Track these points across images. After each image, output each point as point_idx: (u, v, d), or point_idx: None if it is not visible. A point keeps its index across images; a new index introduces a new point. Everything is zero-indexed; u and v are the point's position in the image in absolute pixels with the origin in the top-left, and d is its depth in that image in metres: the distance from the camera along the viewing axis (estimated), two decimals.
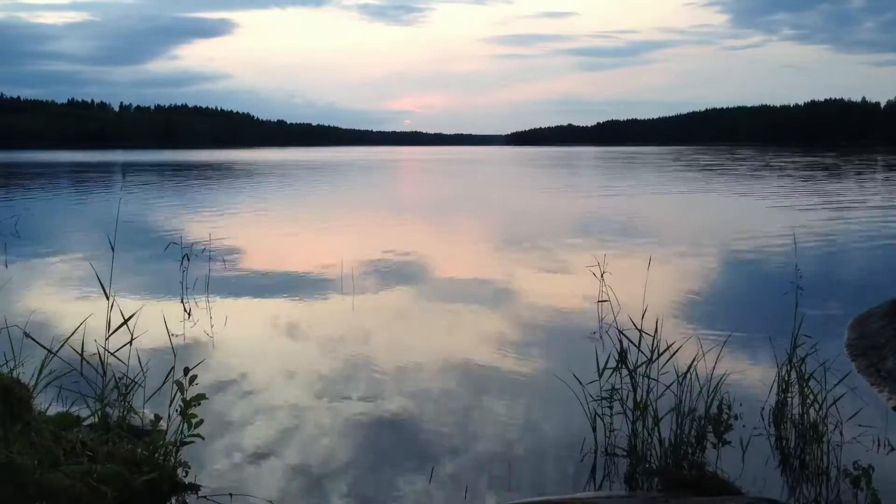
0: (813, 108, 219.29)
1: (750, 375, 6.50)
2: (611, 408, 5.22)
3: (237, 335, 8.16)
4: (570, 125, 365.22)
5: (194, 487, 4.49)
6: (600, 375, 5.42)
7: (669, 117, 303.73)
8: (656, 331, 5.19)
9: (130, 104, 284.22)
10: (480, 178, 47.10)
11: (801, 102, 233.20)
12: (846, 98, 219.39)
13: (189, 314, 9.14)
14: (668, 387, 5.03)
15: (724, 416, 5.06)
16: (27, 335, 4.97)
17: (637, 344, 5.31)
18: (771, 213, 21.31)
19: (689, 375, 5.05)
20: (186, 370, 4.51)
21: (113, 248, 5.52)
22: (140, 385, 4.91)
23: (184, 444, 4.48)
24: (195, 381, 4.47)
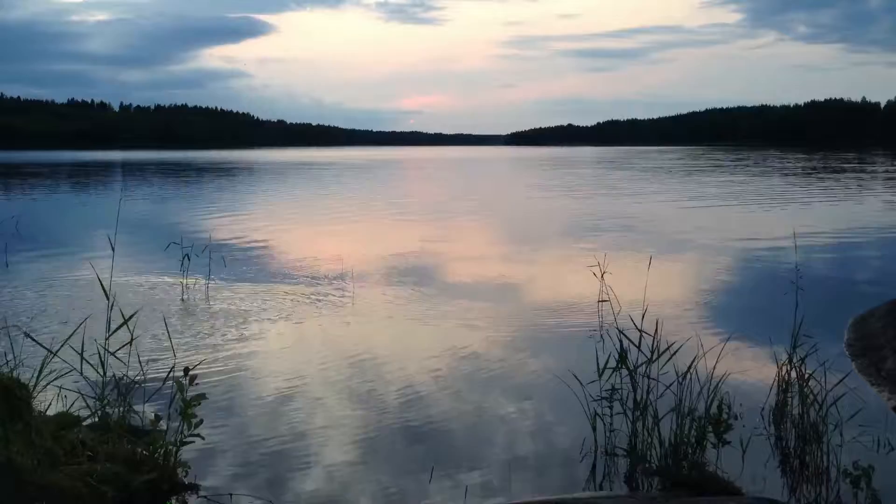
0: (813, 108, 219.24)
1: (750, 375, 6.49)
2: (611, 408, 5.22)
3: (237, 335, 8.15)
4: (570, 125, 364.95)
5: (194, 487, 4.49)
6: (600, 375, 5.41)
7: (669, 117, 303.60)
8: (656, 331, 5.18)
9: (130, 104, 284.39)
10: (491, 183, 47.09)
11: (801, 102, 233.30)
12: (846, 98, 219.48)
13: (189, 314, 9.14)
14: (668, 387, 5.02)
15: (724, 416, 5.05)
16: (27, 335, 4.98)
17: (637, 344, 5.31)
18: (773, 213, 21.32)
19: (689, 375, 5.05)
20: (186, 370, 4.51)
21: (113, 248, 5.51)
22: (140, 385, 4.91)
23: (184, 444, 4.48)
24: (195, 381, 4.48)
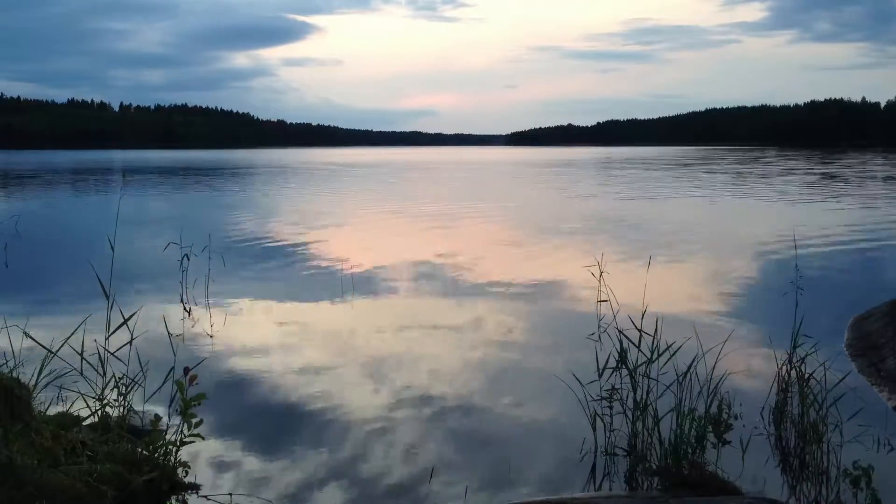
0: (813, 108, 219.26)
1: (750, 375, 6.50)
2: (611, 408, 5.22)
3: (237, 335, 8.16)
4: (570, 125, 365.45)
5: (194, 487, 4.49)
6: (600, 375, 5.42)
7: (670, 117, 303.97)
8: (656, 331, 5.18)
9: (130, 104, 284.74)
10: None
11: (801, 102, 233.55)
12: (846, 98, 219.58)
13: (189, 314, 9.14)
14: (668, 387, 5.03)
15: (724, 416, 5.06)
16: (27, 335, 4.97)
17: (637, 344, 5.31)
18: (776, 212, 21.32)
19: (689, 375, 5.05)
20: (186, 370, 4.51)
21: (113, 248, 5.51)
22: (140, 385, 4.91)
23: (184, 444, 4.48)
24: (195, 381, 4.48)
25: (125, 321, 5.01)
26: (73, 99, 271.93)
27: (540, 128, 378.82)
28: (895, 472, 4.82)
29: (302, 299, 10.01)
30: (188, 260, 10.80)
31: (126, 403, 4.81)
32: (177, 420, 4.55)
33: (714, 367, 5.22)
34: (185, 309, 9.41)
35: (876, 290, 9.86)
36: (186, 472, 4.55)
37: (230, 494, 4.43)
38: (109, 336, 4.96)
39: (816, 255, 13.31)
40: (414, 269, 12.34)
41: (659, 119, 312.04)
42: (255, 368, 6.95)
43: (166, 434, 4.49)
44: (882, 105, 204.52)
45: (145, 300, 9.44)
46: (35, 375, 4.57)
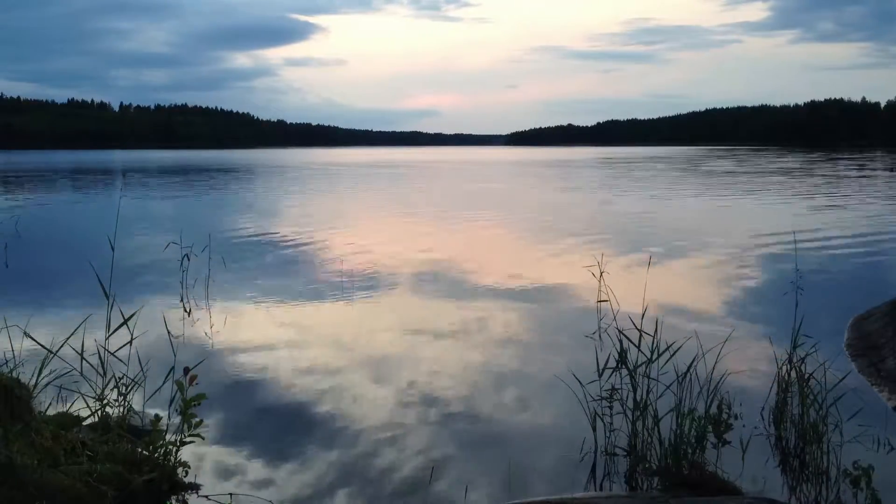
0: (813, 108, 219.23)
1: (750, 375, 6.50)
2: (611, 408, 5.22)
3: (237, 335, 8.15)
4: (570, 125, 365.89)
5: (194, 487, 4.49)
6: (600, 375, 5.42)
7: (670, 117, 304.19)
8: (656, 331, 5.18)
9: (130, 104, 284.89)
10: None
11: (801, 102, 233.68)
12: (846, 98, 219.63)
13: (189, 314, 9.14)
14: (668, 387, 5.03)
15: (724, 416, 5.06)
16: (27, 335, 4.97)
17: (637, 344, 5.31)
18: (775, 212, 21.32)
19: (689, 375, 5.05)
20: (186, 370, 4.51)
21: (113, 248, 5.52)
22: (140, 385, 4.91)
23: (184, 444, 4.48)
24: (195, 382, 4.48)
25: (125, 321, 5.01)
26: (73, 99, 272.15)
27: (540, 128, 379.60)
28: (895, 472, 4.82)
29: (302, 299, 10.01)
30: (188, 260, 10.80)
31: (126, 403, 4.81)
32: (177, 420, 4.55)
33: (714, 367, 5.22)
34: (185, 309, 9.41)
35: (876, 290, 9.86)
36: (186, 472, 4.55)
37: (230, 494, 4.43)
38: (109, 336, 4.96)
39: (816, 255, 13.31)
40: (414, 269, 12.33)
41: (659, 119, 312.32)
42: (255, 368, 6.95)
43: (166, 434, 4.49)
44: (882, 105, 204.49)
45: (145, 300, 9.44)
46: (35, 375, 4.57)
